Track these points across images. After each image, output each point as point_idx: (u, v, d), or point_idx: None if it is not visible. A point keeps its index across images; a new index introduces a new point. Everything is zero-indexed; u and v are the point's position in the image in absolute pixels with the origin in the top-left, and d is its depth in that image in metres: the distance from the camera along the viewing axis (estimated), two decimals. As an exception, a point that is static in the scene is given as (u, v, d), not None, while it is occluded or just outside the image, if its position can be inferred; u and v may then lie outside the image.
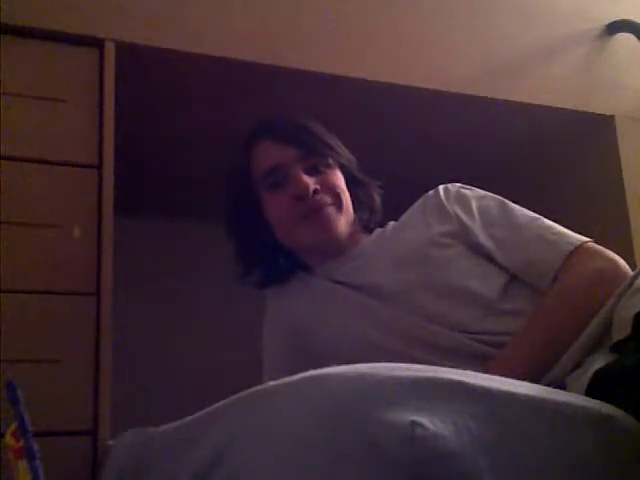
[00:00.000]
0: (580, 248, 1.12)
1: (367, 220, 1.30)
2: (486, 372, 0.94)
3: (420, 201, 1.28)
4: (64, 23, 1.20)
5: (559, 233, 1.15)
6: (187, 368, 1.91)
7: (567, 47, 1.63)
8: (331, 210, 1.20)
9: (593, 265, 1.10)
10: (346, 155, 1.28)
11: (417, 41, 1.48)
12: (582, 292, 1.06)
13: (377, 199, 1.31)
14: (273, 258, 1.29)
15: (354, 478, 0.61)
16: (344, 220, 1.22)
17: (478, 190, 1.25)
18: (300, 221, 1.20)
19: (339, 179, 1.24)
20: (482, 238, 1.18)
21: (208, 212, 1.68)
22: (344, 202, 1.23)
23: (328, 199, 1.20)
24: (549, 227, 1.17)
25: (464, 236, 1.19)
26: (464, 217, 1.20)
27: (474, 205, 1.22)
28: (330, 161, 1.23)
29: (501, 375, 0.89)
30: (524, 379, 0.86)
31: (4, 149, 1.12)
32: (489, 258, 1.17)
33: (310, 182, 1.19)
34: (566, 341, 0.99)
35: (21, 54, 1.17)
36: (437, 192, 1.26)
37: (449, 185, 1.26)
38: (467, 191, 1.25)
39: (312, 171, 1.21)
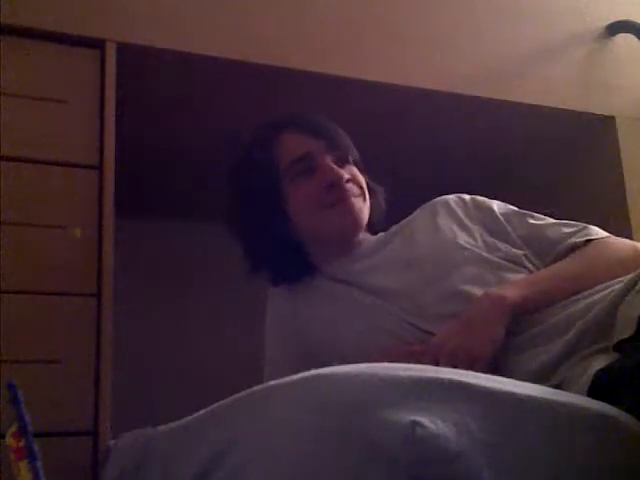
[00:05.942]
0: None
1: (373, 224, 1.31)
2: (498, 290, 1.06)
3: (428, 209, 1.28)
4: (65, 24, 1.21)
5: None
6: (187, 368, 1.91)
7: (567, 48, 1.63)
8: (357, 200, 1.23)
9: (627, 244, 1.17)
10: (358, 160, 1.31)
11: (418, 42, 1.49)
12: (611, 257, 1.12)
13: (382, 204, 1.33)
14: (283, 256, 1.28)
15: (354, 478, 0.61)
16: (366, 211, 1.25)
17: (490, 200, 1.28)
18: (327, 208, 1.21)
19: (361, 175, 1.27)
20: (511, 238, 1.20)
21: (208, 212, 1.68)
22: (367, 196, 1.26)
23: (356, 190, 1.23)
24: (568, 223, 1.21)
25: (487, 241, 1.20)
26: (489, 222, 1.22)
27: (496, 209, 1.24)
28: (351, 158, 1.26)
29: (507, 292, 1.05)
30: (525, 303, 1.03)
31: (4, 149, 1.12)
32: (512, 260, 1.17)
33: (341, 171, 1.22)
34: (572, 290, 1.04)
35: (21, 54, 1.18)
36: (447, 201, 1.27)
37: (461, 195, 1.28)
38: (485, 199, 1.27)
39: (339, 163, 1.24)
